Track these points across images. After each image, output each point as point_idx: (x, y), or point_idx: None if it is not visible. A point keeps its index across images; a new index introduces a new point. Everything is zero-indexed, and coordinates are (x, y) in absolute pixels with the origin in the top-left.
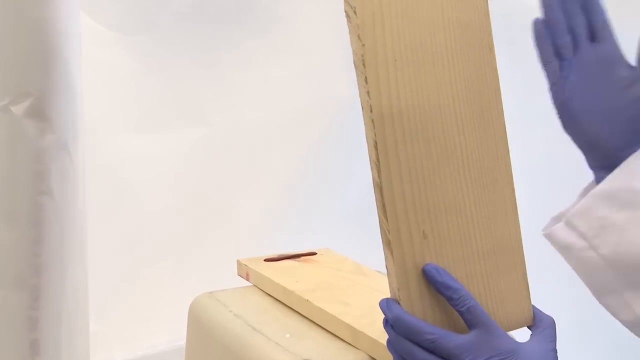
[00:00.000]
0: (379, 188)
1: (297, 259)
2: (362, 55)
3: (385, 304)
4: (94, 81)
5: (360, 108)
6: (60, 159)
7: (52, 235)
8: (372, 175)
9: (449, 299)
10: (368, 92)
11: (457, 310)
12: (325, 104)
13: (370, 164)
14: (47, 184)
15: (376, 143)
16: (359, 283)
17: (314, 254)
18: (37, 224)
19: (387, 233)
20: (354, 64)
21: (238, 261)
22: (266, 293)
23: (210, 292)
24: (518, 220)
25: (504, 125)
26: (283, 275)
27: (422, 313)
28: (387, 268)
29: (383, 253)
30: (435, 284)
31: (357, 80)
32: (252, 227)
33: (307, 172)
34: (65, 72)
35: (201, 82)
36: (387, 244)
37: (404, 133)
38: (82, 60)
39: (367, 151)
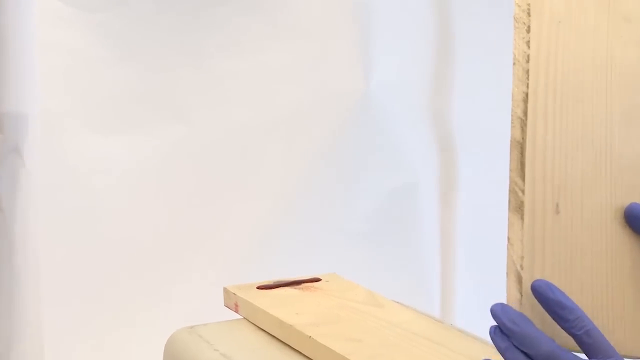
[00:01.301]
0: (519, 147)
1: (297, 286)
2: (529, 5)
3: (500, 309)
4: (49, 70)
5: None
6: (9, 163)
7: (0, 254)
8: (512, 134)
9: (562, 320)
10: (528, 43)
11: (572, 334)
12: (332, 100)
13: (513, 120)
14: None
15: (527, 96)
16: (373, 316)
17: (317, 280)
18: None
19: (520, 195)
20: (514, 17)
21: (225, 289)
22: (259, 328)
23: (191, 327)
24: None
25: None
26: (280, 305)
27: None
28: (509, 238)
29: (507, 218)
30: (546, 303)
31: (515, 33)
32: (242, 247)
33: (309, 182)
34: (14, 58)
35: (180, 72)
36: (518, 207)
37: (555, 97)
38: (35, 44)
39: (511, 108)
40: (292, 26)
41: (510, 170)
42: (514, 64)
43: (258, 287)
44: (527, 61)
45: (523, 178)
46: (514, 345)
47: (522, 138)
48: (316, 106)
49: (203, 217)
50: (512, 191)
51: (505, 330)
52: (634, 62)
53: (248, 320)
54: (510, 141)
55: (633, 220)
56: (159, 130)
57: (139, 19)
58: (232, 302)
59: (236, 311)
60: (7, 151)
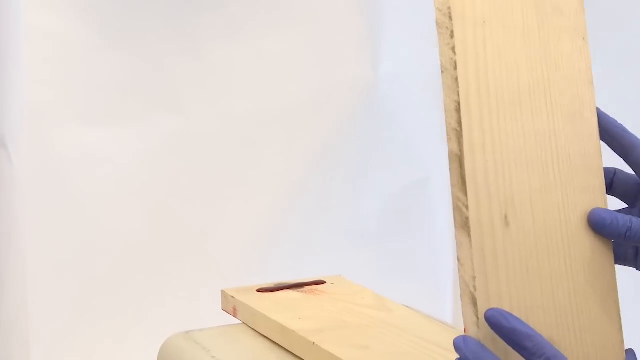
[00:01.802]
0: (457, 159)
1: (300, 290)
2: (449, 8)
3: (462, 342)
4: (36, 57)
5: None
6: None
7: None
8: (450, 146)
9: (521, 348)
10: (453, 48)
11: None
12: (337, 91)
13: (448, 133)
14: None
15: (459, 105)
16: (381, 321)
17: (322, 282)
18: None
19: (465, 210)
20: (436, 22)
21: (223, 292)
22: (259, 333)
23: (187, 332)
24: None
25: (596, 121)
26: (282, 310)
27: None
28: (459, 257)
29: (455, 237)
30: (502, 332)
31: (439, 39)
32: (241, 247)
33: (312, 178)
34: (1, 46)
35: (175, 59)
36: (464, 224)
37: (490, 102)
38: (21, 29)
39: (445, 120)
40: (294, 11)
41: (452, 185)
42: (442, 72)
43: (258, 290)
44: (455, 68)
45: (465, 193)
46: None
47: (460, 150)
48: (320, 97)
49: (199, 215)
50: (456, 208)
51: None
52: (570, 53)
53: (247, 325)
54: (448, 154)
55: (600, 228)
56: (152, 122)
57: (131, 3)
58: (230, 306)
59: (235, 315)
60: None
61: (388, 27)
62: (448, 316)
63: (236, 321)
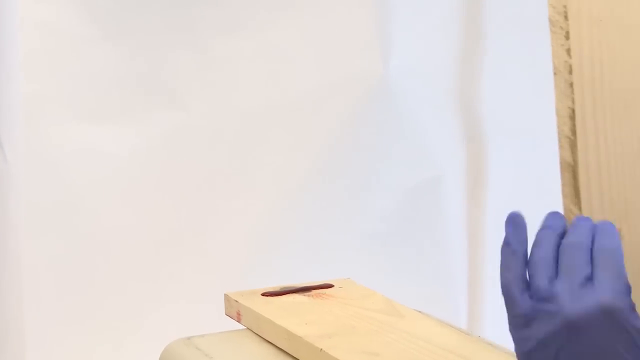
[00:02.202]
0: (570, 169)
1: (306, 293)
2: (565, 7)
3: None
4: (31, 51)
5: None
6: None
7: None
8: (561, 155)
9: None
10: (568, 51)
11: None
12: (346, 84)
13: (560, 141)
14: None
15: (573, 112)
16: (392, 326)
17: (329, 286)
18: None
19: None
20: (549, 19)
21: (226, 295)
22: (264, 339)
23: (188, 338)
24: None
25: None
26: (288, 314)
27: None
28: None
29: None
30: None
31: (552, 40)
32: (244, 249)
33: (319, 176)
34: None
35: (175, 52)
36: None
37: (605, 108)
38: (15, 22)
39: (557, 126)
40: (299, 1)
41: (564, 196)
42: (554, 74)
43: (263, 294)
44: (570, 72)
45: (579, 206)
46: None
47: (574, 160)
48: (327, 92)
49: (200, 215)
50: (567, 220)
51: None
52: None
53: (252, 330)
54: (560, 163)
55: None
56: (150, 117)
57: None
58: (234, 310)
59: (238, 320)
60: None
61: (399, 18)
62: (462, 321)
63: (240, 326)
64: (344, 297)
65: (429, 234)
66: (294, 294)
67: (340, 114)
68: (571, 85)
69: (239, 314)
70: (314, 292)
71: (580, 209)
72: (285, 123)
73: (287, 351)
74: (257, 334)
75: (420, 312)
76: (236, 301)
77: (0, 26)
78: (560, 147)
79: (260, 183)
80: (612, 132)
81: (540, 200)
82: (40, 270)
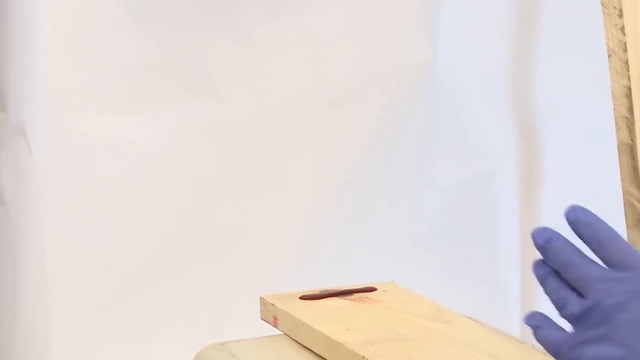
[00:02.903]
0: (629, 150)
1: (347, 297)
2: None
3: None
4: (58, 37)
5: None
6: (12, 147)
7: (1, 256)
8: (619, 136)
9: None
10: (622, 29)
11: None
12: (391, 73)
13: (617, 120)
14: None
15: (629, 90)
16: (439, 333)
17: (372, 289)
18: None
19: (638, 206)
20: (602, 1)
21: (262, 299)
22: (302, 345)
23: (222, 344)
24: None
25: None
26: (328, 320)
27: None
28: None
29: (627, 236)
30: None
31: (605, 20)
32: (280, 249)
33: (361, 172)
34: (19, 24)
35: (208, 38)
36: (637, 222)
37: None
38: (42, 6)
39: (613, 108)
40: None
41: (622, 179)
42: (609, 55)
43: (301, 298)
44: (625, 50)
45: (638, 187)
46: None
47: (632, 140)
48: (370, 82)
49: (235, 212)
50: (627, 204)
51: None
52: None
53: (289, 336)
54: (618, 145)
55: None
56: (183, 108)
57: None
58: (270, 314)
59: (275, 325)
60: (10, 133)
61: (448, 1)
62: (515, 329)
63: (276, 331)
64: (388, 301)
65: (480, 234)
66: (335, 297)
67: (385, 105)
68: (626, 63)
69: (275, 319)
70: (355, 295)
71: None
72: (326, 115)
73: (327, 358)
74: (294, 340)
75: (469, 318)
76: (272, 305)
77: (25, 12)
78: (617, 128)
79: (299, 179)
80: None
81: (599, 197)
82: (66, 268)
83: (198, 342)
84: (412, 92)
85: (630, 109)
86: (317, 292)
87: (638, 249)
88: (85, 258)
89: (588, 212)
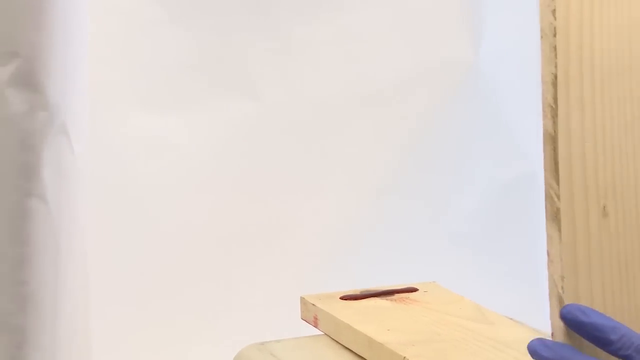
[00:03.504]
0: (551, 140)
1: (388, 297)
2: None
3: (538, 344)
4: (99, 35)
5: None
6: (55, 146)
7: (44, 256)
8: (544, 124)
9: (606, 344)
10: (554, 12)
11: (621, 357)
12: (431, 71)
13: (544, 109)
14: (37, 181)
15: (556, 78)
16: (481, 334)
17: (413, 290)
18: (24, 240)
19: (556, 200)
20: None
21: (302, 299)
22: (343, 346)
23: (262, 343)
24: None
25: None
26: (369, 320)
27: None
28: (548, 252)
29: (545, 232)
30: (582, 329)
31: (540, 1)
32: (321, 249)
33: (401, 172)
34: (63, 23)
35: (249, 37)
36: (554, 216)
37: (593, 75)
38: (84, 4)
39: (542, 95)
40: None
41: (544, 170)
42: (541, 37)
43: (342, 298)
44: (554, 35)
45: (558, 180)
46: None
47: (554, 131)
48: (411, 81)
49: (275, 212)
50: (547, 196)
51: None
52: None
53: (329, 336)
54: (543, 134)
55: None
56: (221, 107)
57: None
58: (311, 314)
59: (315, 325)
60: (53, 133)
61: (490, 0)
62: None
63: (317, 332)
64: (429, 302)
65: (522, 235)
66: (375, 297)
67: (426, 105)
68: (555, 48)
69: (315, 319)
70: (396, 296)
71: (559, 184)
72: (366, 114)
73: (367, 359)
74: (335, 340)
75: (511, 319)
76: (313, 305)
77: (68, 10)
78: (544, 116)
79: (339, 179)
80: (601, 100)
81: None
82: (107, 269)
83: (238, 341)
84: (454, 91)
85: (555, 98)
86: (358, 293)
87: (553, 243)
88: (126, 258)
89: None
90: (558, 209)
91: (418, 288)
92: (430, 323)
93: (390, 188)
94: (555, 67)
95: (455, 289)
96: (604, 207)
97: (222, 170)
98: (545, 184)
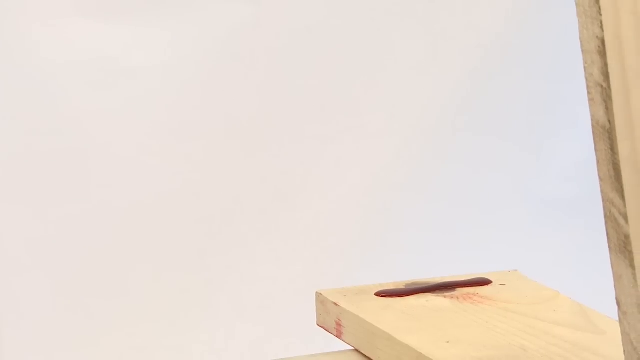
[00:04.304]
0: (605, 134)
1: (448, 293)
2: None
3: None
4: None
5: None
6: None
7: None
8: (592, 112)
9: None
10: None
11: None
12: None
13: (589, 91)
14: None
15: (603, 44)
16: (586, 349)
17: (486, 282)
18: None
19: (623, 223)
20: None
21: (319, 295)
22: None
23: None
24: None
25: None
26: (418, 327)
27: None
28: (618, 300)
29: (611, 270)
30: None
31: None
32: (347, 224)
33: (465, 114)
34: None
35: None
36: (622, 246)
37: None
38: None
39: (583, 68)
40: None
41: (600, 180)
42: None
43: (378, 294)
44: None
45: (623, 194)
46: None
47: (609, 120)
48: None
49: (286, 165)
50: (609, 218)
51: None
52: None
53: (359, 351)
54: (592, 127)
55: None
56: (209, 10)
57: None
58: (332, 318)
59: (338, 335)
60: None
61: None
62: None
63: (343, 346)
64: (509, 300)
65: None
66: (428, 293)
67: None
68: (597, 1)
69: (339, 325)
70: (459, 291)
71: (624, 199)
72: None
73: None
74: (367, 358)
75: None
76: (335, 304)
77: None
78: (590, 99)
79: (380, 120)
80: None
81: None
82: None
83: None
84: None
85: (606, 74)
86: (401, 287)
87: (625, 286)
88: (83, 242)
89: None
90: (627, 236)
91: (492, 280)
92: (511, 332)
93: (452, 140)
94: (601, 27)
95: (548, 281)
96: None
97: (209, 98)
98: (604, 200)
